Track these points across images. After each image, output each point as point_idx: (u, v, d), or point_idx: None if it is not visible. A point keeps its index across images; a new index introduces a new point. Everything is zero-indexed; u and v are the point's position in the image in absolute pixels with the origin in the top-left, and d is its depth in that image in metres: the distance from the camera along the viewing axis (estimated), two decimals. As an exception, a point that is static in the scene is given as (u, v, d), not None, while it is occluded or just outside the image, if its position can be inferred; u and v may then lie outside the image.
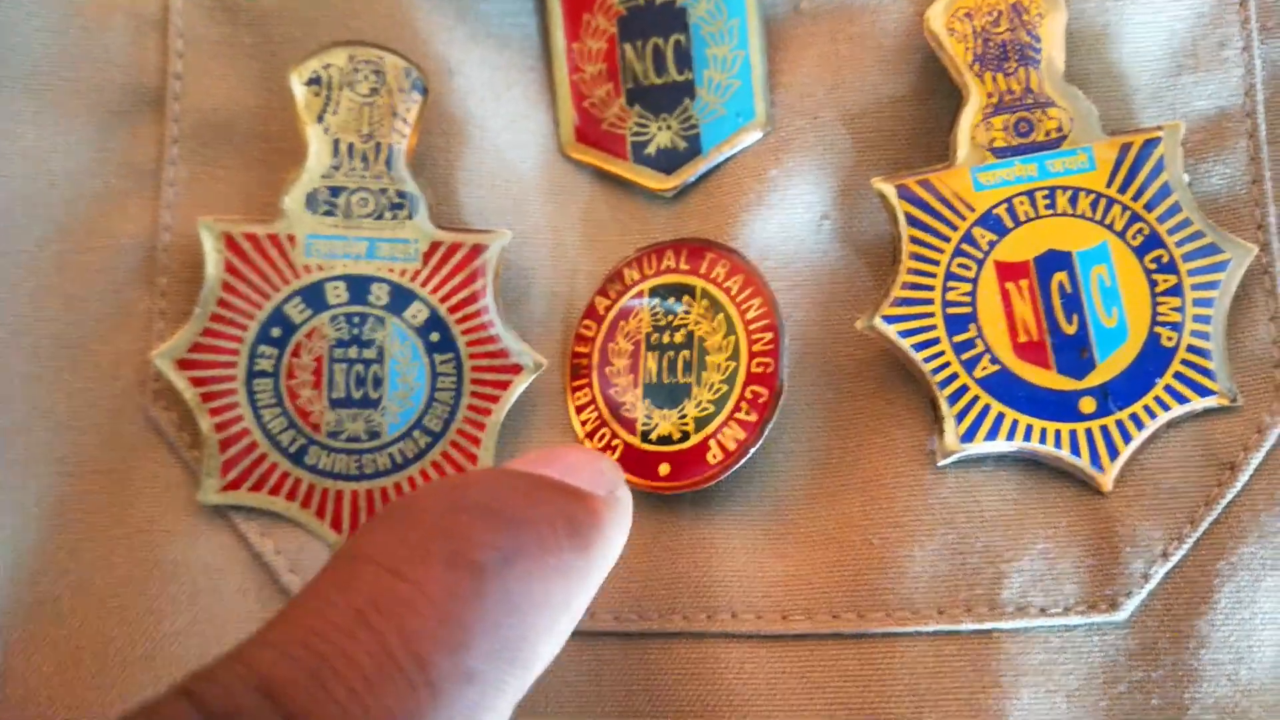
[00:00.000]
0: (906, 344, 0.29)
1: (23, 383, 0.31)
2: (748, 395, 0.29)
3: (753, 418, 0.29)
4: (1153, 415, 0.28)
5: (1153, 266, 0.29)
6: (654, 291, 0.31)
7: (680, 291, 0.31)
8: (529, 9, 0.33)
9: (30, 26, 0.32)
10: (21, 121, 0.32)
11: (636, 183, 0.32)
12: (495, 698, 0.18)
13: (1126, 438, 0.28)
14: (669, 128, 0.32)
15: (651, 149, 0.32)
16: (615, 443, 0.30)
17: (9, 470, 0.30)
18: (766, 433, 0.29)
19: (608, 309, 0.31)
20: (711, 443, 0.29)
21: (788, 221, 0.31)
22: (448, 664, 0.18)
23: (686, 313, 0.30)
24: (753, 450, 0.29)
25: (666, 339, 0.30)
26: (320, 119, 0.30)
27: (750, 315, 0.30)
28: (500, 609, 0.19)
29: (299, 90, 0.30)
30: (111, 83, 0.32)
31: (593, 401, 0.31)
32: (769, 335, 0.29)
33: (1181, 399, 0.28)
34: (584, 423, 0.31)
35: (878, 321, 0.29)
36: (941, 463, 0.29)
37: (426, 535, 0.19)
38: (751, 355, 0.29)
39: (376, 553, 0.19)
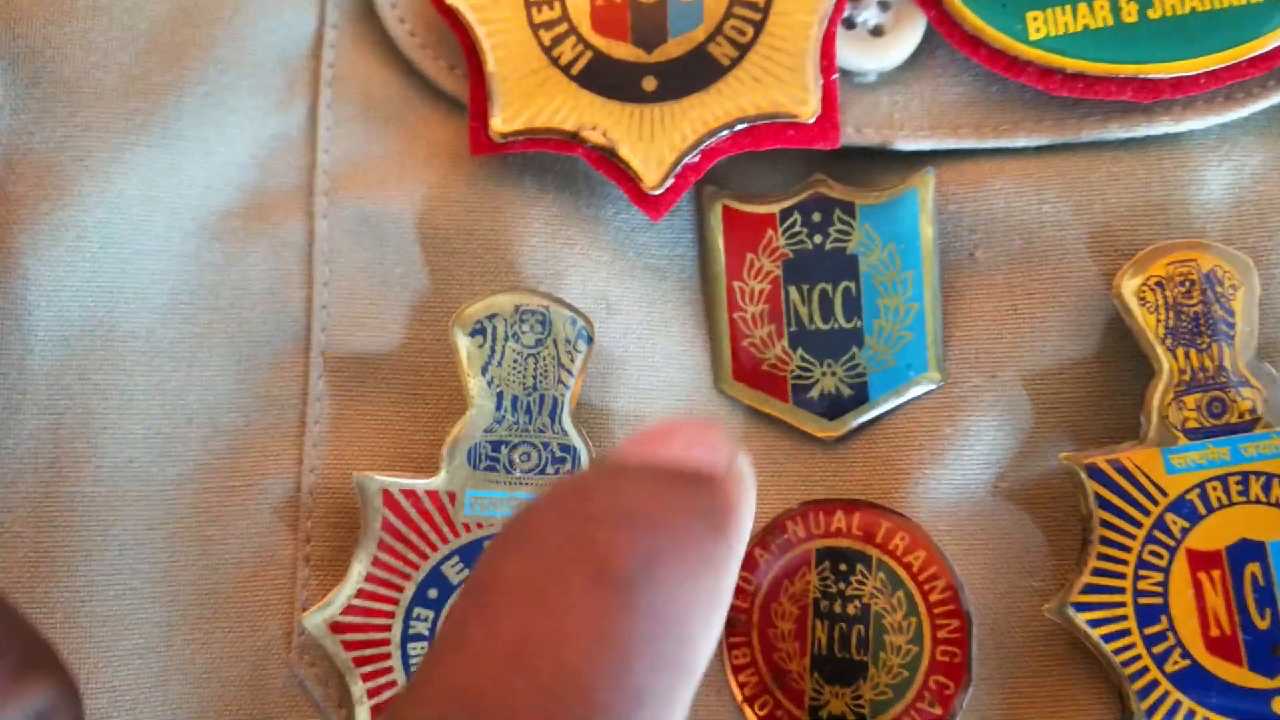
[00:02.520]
0: (1096, 634, 0.28)
1: (160, 633, 0.29)
2: (932, 685, 0.28)
3: (937, 710, 0.28)
4: (1350, 721, 0.28)
5: (1348, 560, 0.28)
6: (822, 554, 0.30)
7: (853, 559, 0.30)
8: (686, 240, 0.32)
9: (169, 253, 0.30)
10: (158, 354, 0.30)
11: (796, 426, 0.31)
12: (668, 711, 0.17)
13: (1319, 738, 0.28)
14: (834, 374, 0.31)
15: (815, 393, 0.31)
16: (780, 713, 0.29)
17: (147, 729, 0.29)
18: (952, 727, 0.28)
19: (769, 564, 0.30)
20: (891, 731, 0.28)
21: (963, 483, 0.30)
22: (614, 690, 0.17)
23: (861, 584, 0.29)
24: (936, 744, 0.28)
25: (838, 609, 0.29)
26: (484, 371, 0.29)
27: (934, 598, 0.29)
28: (654, 620, 0.17)
29: (462, 341, 0.29)
30: (251, 311, 0.31)
31: (753, 664, 0.30)
32: (955, 622, 0.28)
33: (1380, 704, 0.28)
34: (743, 685, 0.30)
35: (1068, 610, 0.28)
36: (1129, 758, 0.28)
37: (562, 555, 0.18)
38: (936, 642, 0.28)
39: (512, 582, 0.18)
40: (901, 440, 0.30)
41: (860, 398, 0.31)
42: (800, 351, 0.31)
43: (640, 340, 0.31)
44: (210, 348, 0.31)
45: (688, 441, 0.20)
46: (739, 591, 0.30)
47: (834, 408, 0.31)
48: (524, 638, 0.17)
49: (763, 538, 0.30)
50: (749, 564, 0.30)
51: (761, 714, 0.29)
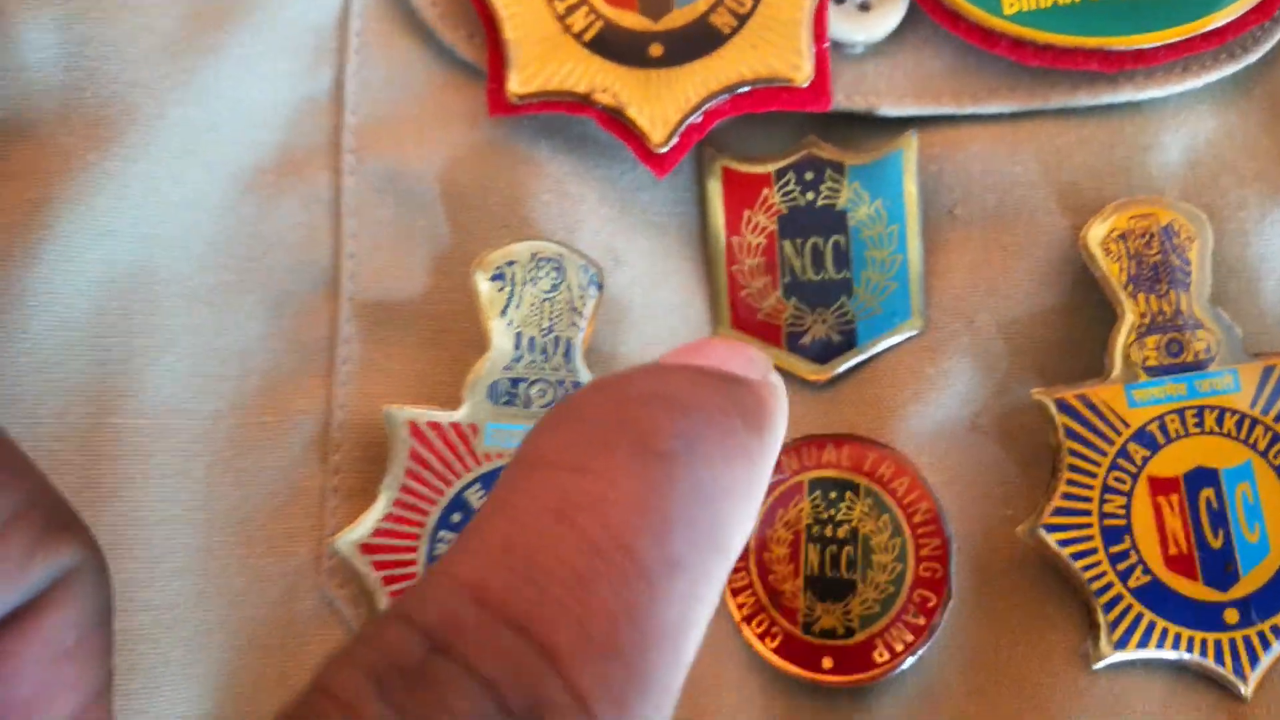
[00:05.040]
0: (1065, 553, 0.31)
1: (196, 558, 0.31)
2: (915, 599, 0.31)
3: (920, 621, 0.31)
4: (1294, 629, 0.30)
5: (1293, 485, 0.31)
6: (814, 484, 0.32)
7: (843, 487, 0.32)
8: (688, 198, 0.34)
9: (206, 204, 0.33)
10: (196, 299, 0.32)
11: (791, 371, 0.34)
12: (704, 586, 0.18)
13: (1266, 647, 0.30)
14: (825, 321, 0.33)
15: (807, 339, 0.33)
16: (775, 630, 0.32)
17: (184, 648, 0.31)
18: (934, 637, 0.30)
19: (765, 496, 0.33)
20: (878, 642, 0.31)
21: (944, 419, 0.33)
22: (656, 553, 0.17)
23: (850, 509, 0.32)
24: (920, 652, 0.30)
25: (829, 533, 0.32)
26: (504, 313, 0.31)
27: (917, 519, 0.31)
28: (694, 495, 0.18)
29: (483, 285, 0.31)
30: (283, 260, 0.33)
31: (750, 586, 0.32)
32: (936, 540, 0.31)
33: (1321, 614, 0.30)
34: (740, 606, 0.32)
35: (1040, 531, 0.31)
36: (1095, 666, 0.30)
37: (604, 430, 0.18)
38: (919, 559, 0.31)
39: (555, 455, 0.18)
40: (887, 381, 0.33)
41: (849, 343, 0.33)
42: (794, 301, 0.34)
43: (645, 291, 0.34)
44: (244, 293, 0.33)
45: (723, 353, 0.21)
46: (737, 522, 0.33)
47: (825, 353, 0.33)
48: (567, 500, 0.18)
49: (759, 472, 0.33)
50: (746, 497, 0.33)
51: (758, 631, 0.32)
